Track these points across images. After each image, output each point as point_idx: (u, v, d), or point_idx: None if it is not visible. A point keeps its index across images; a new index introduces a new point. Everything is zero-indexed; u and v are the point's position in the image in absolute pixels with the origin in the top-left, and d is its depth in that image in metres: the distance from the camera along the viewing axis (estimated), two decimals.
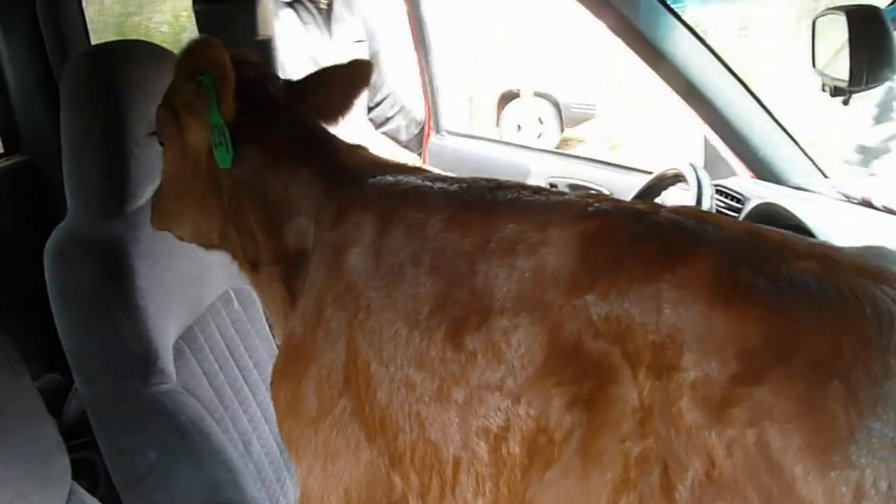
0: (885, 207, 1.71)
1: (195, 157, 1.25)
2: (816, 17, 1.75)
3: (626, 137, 8.19)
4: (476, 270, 0.94)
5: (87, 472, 1.72)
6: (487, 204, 1.02)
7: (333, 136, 1.30)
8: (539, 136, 8.45)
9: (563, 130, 8.55)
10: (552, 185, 2.64)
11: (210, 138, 1.19)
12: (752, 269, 0.78)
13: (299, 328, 1.14)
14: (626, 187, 2.38)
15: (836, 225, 1.65)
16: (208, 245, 1.35)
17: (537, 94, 8.38)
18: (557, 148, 8.50)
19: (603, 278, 0.85)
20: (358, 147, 1.27)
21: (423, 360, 0.96)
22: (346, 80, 1.35)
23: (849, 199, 1.86)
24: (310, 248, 1.19)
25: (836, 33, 1.63)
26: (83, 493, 1.35)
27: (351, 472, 1.06)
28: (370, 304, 1.03)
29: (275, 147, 1.23)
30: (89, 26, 2.61)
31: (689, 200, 1.55)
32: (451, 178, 1.13)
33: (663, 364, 0.78)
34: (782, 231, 0.86)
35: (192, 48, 1.17)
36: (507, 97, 8.49)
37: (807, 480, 0.69)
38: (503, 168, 2.84)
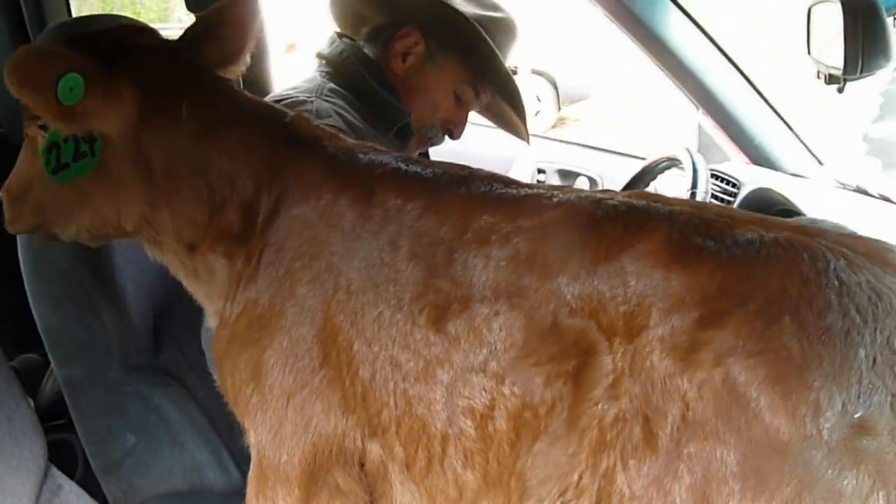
0: (880, 195, 1.66)
1: (107, 144, 1.11)
2: (812, 5, 1.69)
3: (620, 118, 8.13)
4: (454, 259, 0.95)
5: (64, 454, 1.60)
6: (462, 194, 1.01)
7: (264, 103, 1.21)
8: (536, 114, 8.35)
9: (559, 109, 8.46)
10: (540, 171, 2.59)
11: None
12: (700, 234, 0.84)
13: (264, 299, 1.08)
14: (616, 172, 2.36)
15: (831, 211, 1.61)
16: (112, 235, 1.21)
17: (535, 72, 8.27)
18: (554, 126, 8.44)
19: (572, 261, 0.89)
20: (295, 116, 1.17)
21: (408, 342, 0.96)
22: (235, 19, 1.20)
23: (844, 185, 1.82)
24: (259, 220, 1.11)
25: (831, 21, 1.58)
26: (59, 476, 1.30)
27: (322, 431, 1.04)
28: (350, 285, 1.00)
29: (212, 118, 1.12)
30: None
31: (685, 185, 1.50)
32: (422, 161, 1.10)
33: (634, 329, 0.83)
34: (724, 205, 0.88)
35: (14, 67, 1.01)
36: None
37: (771, 407, 0.75)
38: (488, 155, 2.71)
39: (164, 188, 1.12)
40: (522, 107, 1.59)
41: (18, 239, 1.42)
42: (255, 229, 1.11)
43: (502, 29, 1.52)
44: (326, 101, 1.43)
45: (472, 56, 1.48)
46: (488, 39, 1.46)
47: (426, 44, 1.51)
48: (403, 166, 1.07)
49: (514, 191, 1.01)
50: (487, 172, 1.07)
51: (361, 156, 1.10)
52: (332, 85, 1.48)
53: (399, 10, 1.53)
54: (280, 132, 1.13)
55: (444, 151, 2.71)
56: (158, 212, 1.14)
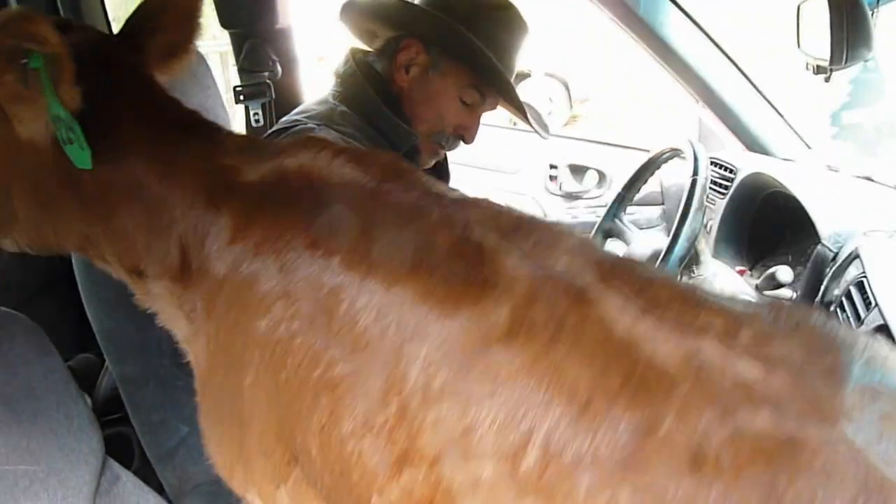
0: (863, 176, 1.71)
1: (33, 155, 0.93)
2: (801, 3, 1.75)
3: (621, 116, 8.13)
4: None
5: (121, 446, 1.61)
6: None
7: (196, 116, 1.01)
8: (549, 114, 8.40)
9: (571, 108, 8.50)
10: (552, 167, 2.61)
11: (57, 133, 0.89)
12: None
13: (215, 376, 0.93)
14: (623, 165, 2.37)
15: (818, 191, 1.66)
16: (57, 251, 1.05)
17: (548, 75, 8.32)
18: (566, 125, 8.48)
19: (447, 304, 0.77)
20: (236, 134, 1.01)
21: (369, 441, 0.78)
22: (176, 5, 1.03)
23: (830, 168, 1.87)
24: (194, 265, 0.92)
25: (818, 16, 1.63)
26: (117, 467, 1.28)
27: None
28: (299, 368, 0.81)
29: (142, 134, 0.95)
30: (110, 15, 2.43)
31: (687, 173, 1.56)
32: (371, 188, 0.89)
33: None
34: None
35: (6, 24, 0.82)
36: (519, 77, 8.39)
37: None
38: (499, 153, 2.77)
39: (96, 207, 0.96)
40: (520, 105, 1.53)
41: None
42: (191, 270, 0.93)
43: (504, 26, 1.49)
44: (335, 128, 1.39)
45: (473, 61, 1.44)
46: (477, 43, 1.42)
47: (428, 53, 1.46)
48: (346, 195, 0.88)
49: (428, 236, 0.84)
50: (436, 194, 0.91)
51: (300, 185, 0.90)
52: (342, 108, 1.44)
53: (399, 23, 1.49)
54: (217, 154, 0.95)
55: (458, 150, 2.78)
56: (95, 232, 0.99)
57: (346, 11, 1.53)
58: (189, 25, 1.04)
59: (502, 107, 1.58)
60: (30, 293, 1.74)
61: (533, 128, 1.62)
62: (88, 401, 1.32)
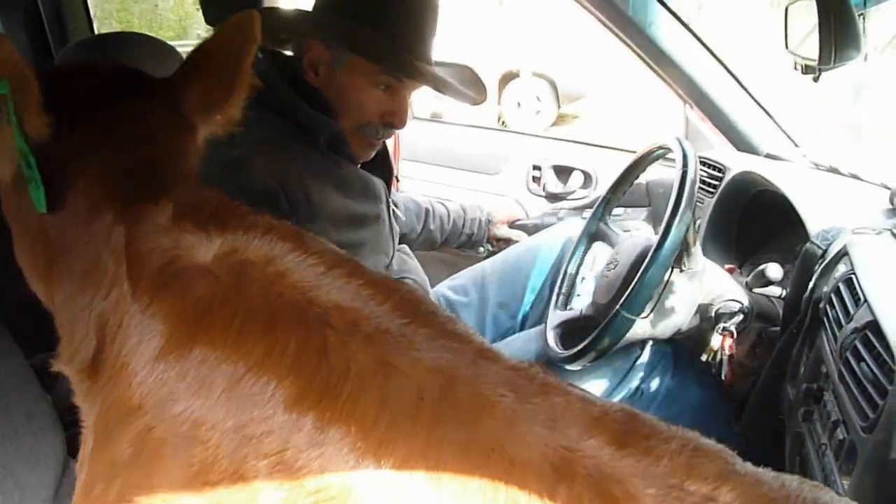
0: (849, 173, 1.72)
1: (5, 195, 0.85)
2: (789, 4, 1.75)
3: (617, 113, 8.16)
4: None
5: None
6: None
7: (189, 181, 0.87)
8: (537, 113, 8.44)
9: (559, 107, 8.54)
10: (536, 167, 2.58)
11: (18, 168, 0.78)
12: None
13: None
14: (608, 166, 2.39)
15: (807, 190, 1.66)
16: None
17: (536, 75, 8.36)
18: (554, 125, 8.51)
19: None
20: (220, 201, 0.82)
21: None
22: (229, 48, 0.90)
23: (818, 166, 1.87)
24: (107, 363, 0.75)
25: (806, 17, 1.64)
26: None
27: None
28: None
29: (92, 185, 0.80)
30: (91, 13, 2.46)
31: (675, 171, 1.55)
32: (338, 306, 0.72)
33: None
34: None
35: None
36: (508, 77, 8.47)
37: None
38: (480, 153, 2.73)
39: (45, 264, 0.85)
40: (436, 82, 1.49)
41: None
42: (102, 367, 0.76)
43: (401, 7, 1.47)
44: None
45: (368, 51, 1.44)
46: (372, 32, 1.42)
47: (330, 51, 1.47)
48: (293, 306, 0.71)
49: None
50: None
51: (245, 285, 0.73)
52: (256, 114, 1.41)
53: (300, 28, 1.52)
54: (159, 227, 0.77)
55: (437, 149, 2.77)
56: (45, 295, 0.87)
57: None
58: (228, 87, 0.89)
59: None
60: None
61: (459, 98, 1.59)
62: (50, 401, 1.25)
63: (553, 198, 2.56)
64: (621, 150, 2.57)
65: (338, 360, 0.66)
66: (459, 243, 2.24)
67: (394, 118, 1.54)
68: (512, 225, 2.36)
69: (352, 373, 0.65)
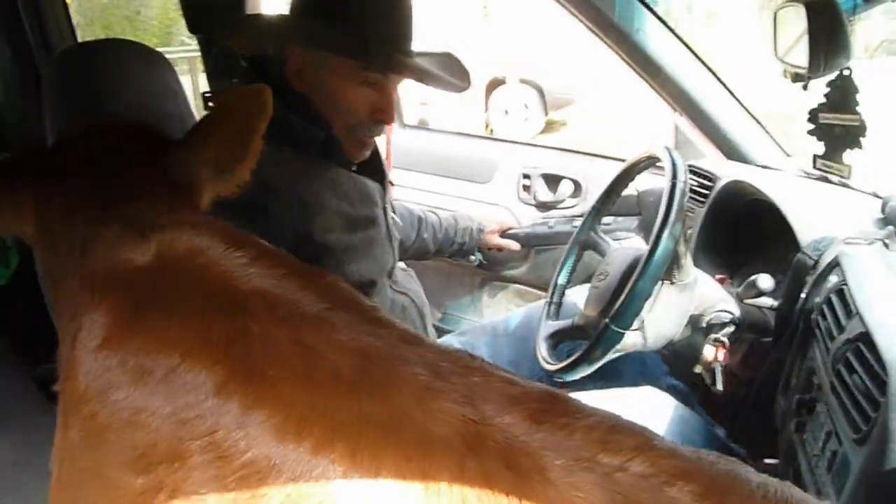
0: (840, 182, 1.73)
1: None
2: (778, 9, 1.76)
3: (606, 120, 8.21)
4: None
5: None
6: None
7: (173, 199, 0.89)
8: (525, 120, 8.47)
9: (546, 114, 8.58)
10: (525, 176, 2.59)
11: None
12: None
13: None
14: (598, 174, 2.40)
15: (799, 199, 1.68)
16: None
17: (523, 81, 8.39)
18: (542, 132, 8.54)
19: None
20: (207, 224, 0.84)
21: None
22: (242, 116, 0.94)
23: (808, 175, 1.89)
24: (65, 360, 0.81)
25: (796, 23, 1.65)
26: None
27: None
28: None
29: (68, 220, 0.87)
30: (74, 21, 2.45)
31: (665, 181, 1.56)
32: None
33: None
34: None
35: None
36: (495, 84, 8.49)
37: None
38: (471, 162, 2.74)
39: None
40: (419, 74, 1.51)
41: (36, 259, 1.43)
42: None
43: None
44: None
45: (347, 50, 1.44)
46: (349, 30, 1.42)
47: (311, 55, 1.48)
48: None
49: None
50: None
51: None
52: None
53: (277, 34, 1.52)
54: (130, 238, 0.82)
55: (428, 158, 2.78)
56: None
57: (237, 37, 1.56)
58: (240, 150, 0.94)
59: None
60: None
61: (443, 87, 1.60)
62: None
63: (543, 207, 2.58)
64: (611, 158, 2.58)
65: (258, 345, 0.70)
66: (451, 252, 2.25)
67: (382, 114, 1.54)
68: (504, 234, 2.37)
69: (272, 356, 0.70)
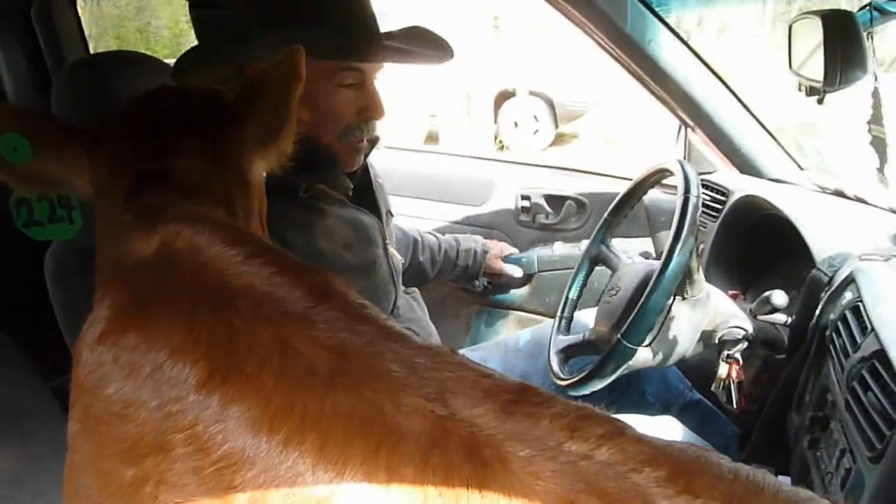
0: (856, 197, 1.73)
1: None
2: (793, 22, 1.76)
3: (618, 133, 8.21)
4: None
5: None
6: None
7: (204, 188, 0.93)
8: (535, 133, 8.49)
9: (557, 127, 8.59)
10: (524, 197, 2.47)
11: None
12: None
13: None
14: (605, 194, 2.34)
15: (813, 214, 1.68)
16: None
17: (533, 94, 8.41)
18: (553, 144, 8.55)
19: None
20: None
21: None
22: (277, 84, 1.00)
23: (823, 189, 1.89)
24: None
25: (811, 36, 1.65)
26: None
27: None
28: None
29: (106, 197, 0.94)
30: (86, 32, 2.49)
31: (678, 196, 1.57)
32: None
33: None
34: None
35: None
36: (504, 96, 8.51)
37: None
38: (469, 181, 2.62)
39: None
40: (394, 56, 1.42)
41: (46, 273, 1.45)
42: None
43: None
44: None
45: (322, 47, 1.32)
46: (310, 30, 1.32)
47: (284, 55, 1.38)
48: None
49: None
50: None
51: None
52: None
53: (233, 56, 1.39)
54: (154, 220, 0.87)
55: (418, 184, 2.62)
56: None
57: (178, 74, 1.42)
58: (280, 113, 0.99)
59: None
60: (17, 311, 1.75)
61: (426, 62, 1.50)
62: None
63: (545, 229, 2.47)
64: (617, 177, 2.52)
65: (241, 342, 0.74)
66: (454, 276, 2.14)
67: (370, 111, 1.46)
68: (506, 259, 2.27)
69: (252, 353, 0.73)
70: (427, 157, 3.08)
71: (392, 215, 1.76)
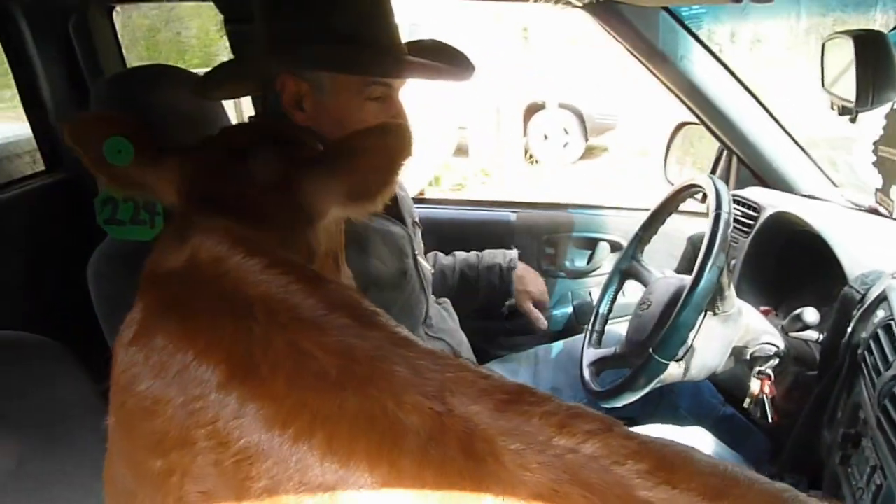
0: (890, 214, 1.74)
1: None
2: (826, 40, 1.78)
3: (650, 145, 8.20)
4: None
5: None
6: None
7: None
8: (565, 146, 8.50)
9: (587, 140, 8.60)
10: (549, 243, 2.34)
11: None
12: None
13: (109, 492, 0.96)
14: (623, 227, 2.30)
15: (846, 231, 1.69)
16: None
17: (562, 106, 8.43)
18: (582, 157, 8.55)
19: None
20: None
21: None
22: (382, 151, 1.00)
23: (857, 206, 1.89)
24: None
25: (844, 55, 1.66)
26: None
27: None
28: None
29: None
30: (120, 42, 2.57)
31: (709, 212, 1.59)
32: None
33: None
34: None
35: (69, 124, 1.02)
36: (533, 108, 8.53)
37: None
38: (477, 231, 2.40)
39: None
40: (422, 72, 1.42)
41: (89, 280, 1.52)
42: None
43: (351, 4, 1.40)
44: None
45: (342, 66, 1.37)
46: (339, 45, 1.34)
47: (307, 81, 1.38)
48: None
49: None
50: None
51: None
52: None
53: (264, 69, 1.43)
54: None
55: (442, 222, 2.39)
56: None
57: (207, 90, 1.45)
58: (384, 180, 1.00)
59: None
60: (66, 319, 1.80)
61: (452, 79, 1.49)
62: None
63: (575, 275, 2.33)
64: (628, 208, 2.43)
65: (258, 347, 0.81)
66: (477, 290, 1.98)
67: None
68: (536, 304, 2.03)
69: (268, 357, 0.80)
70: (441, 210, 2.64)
71: (419, 226, 1.77)
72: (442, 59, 1.48)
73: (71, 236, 2.12)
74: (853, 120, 1.61)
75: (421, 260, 1.70)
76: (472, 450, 0.71)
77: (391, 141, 1.00)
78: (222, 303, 0.85)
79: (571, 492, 0.68)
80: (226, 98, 1.59)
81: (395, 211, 1.65)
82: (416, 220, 1.76)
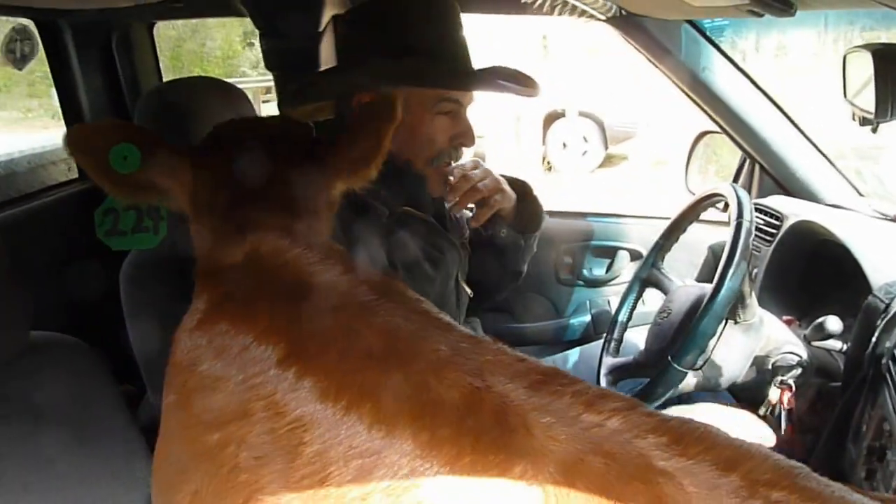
0: None
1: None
2: (847, 53, 1.78)
3: (670, 154, 8.17)
4: None
5: None
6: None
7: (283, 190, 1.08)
8: (584, 154, 8.49)
9: (606, 148, 8.58)
10: (567, 253, 2.35)
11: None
12: None
13: (161, 473, 1.01)
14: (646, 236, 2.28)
15: (871, 241, 1.68)
16: None
17: (582, 114, 8.43)
18: (601, 166, 8.54)
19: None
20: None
21: None
22: (372, 122, 1.15)
23: (883, 216, 1.89)
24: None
25: (864, 67, 1.67)
26: None
27: None
28: None
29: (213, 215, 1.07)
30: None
31: (731, 221, 1.59)
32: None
33: None
34: None
35: (70, 134, 1.05)
36: (553, 117, 8.53)
37: None
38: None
39: None
40: (493, 86, 1.46)
41: (121, 285, 1.58)
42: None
43: (424, 19, 1.46)
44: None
45: (417, 80, 1.42)
46: (415, 61, 1.41)
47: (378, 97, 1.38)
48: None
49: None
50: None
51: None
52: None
53: (337, 88, 1.49)
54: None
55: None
56: None
57: (294, 103, 1.54)
58: (375, 145, 1.14)
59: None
60: (94, 322, 1.84)
61: (520, 93, 1.52)
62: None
63: (593, 283, 2.35)
64: (649, 216, 2.43)
65: (312, 328, 0.90)
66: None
67: (463, 138, 1.54)
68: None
69: (322, 336, 0.89)
70: None
71: (468, 249, 1.75)
72: (511, 80, 1.52)
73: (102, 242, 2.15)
74: (874, 130, 1.61)
75: (462, 284, 1.71)
76: (506, 422, 0.78)
77: (377, 110, 1.16)
78: (281, 289, 0.95)
79: (594, 461, 0.74)
80: (309, 119, 1.60)
81: (447, 230, 1.66)
82: (466, 241, 1.76)
